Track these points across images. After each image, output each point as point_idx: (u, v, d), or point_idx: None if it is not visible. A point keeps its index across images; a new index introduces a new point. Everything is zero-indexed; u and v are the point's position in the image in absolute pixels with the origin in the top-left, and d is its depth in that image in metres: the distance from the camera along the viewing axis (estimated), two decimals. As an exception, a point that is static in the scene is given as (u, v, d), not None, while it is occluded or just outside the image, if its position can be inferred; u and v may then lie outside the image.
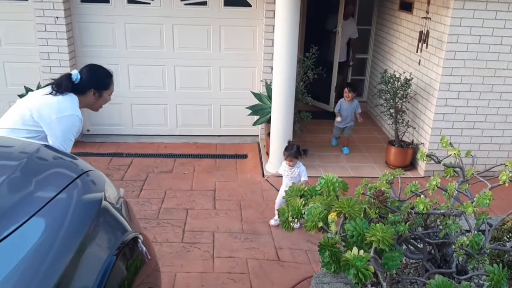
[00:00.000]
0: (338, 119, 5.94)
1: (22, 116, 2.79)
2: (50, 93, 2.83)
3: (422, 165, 5.46)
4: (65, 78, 2.88)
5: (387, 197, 2.52)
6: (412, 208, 2.53)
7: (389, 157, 5.65)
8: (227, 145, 6.19)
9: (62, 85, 2.84)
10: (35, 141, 1.95)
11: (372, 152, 6.10)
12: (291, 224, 2.59)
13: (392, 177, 2.77)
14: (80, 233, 1.33)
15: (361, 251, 2.14)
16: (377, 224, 2.24)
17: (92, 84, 2.88)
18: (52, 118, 2.77)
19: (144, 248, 1.70)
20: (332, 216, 2.27)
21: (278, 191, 5.05)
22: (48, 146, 1.80)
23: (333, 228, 2.27)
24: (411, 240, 2.74)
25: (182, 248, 3.84)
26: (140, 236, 1.74)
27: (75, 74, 2.88)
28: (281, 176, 5.27)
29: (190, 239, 3.96)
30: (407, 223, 2.48)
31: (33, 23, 5.74)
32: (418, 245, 2.81)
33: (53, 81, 2.92)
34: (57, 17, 5.67)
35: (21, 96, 5.63)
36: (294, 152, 4.19)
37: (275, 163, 5.40)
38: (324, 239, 2.31)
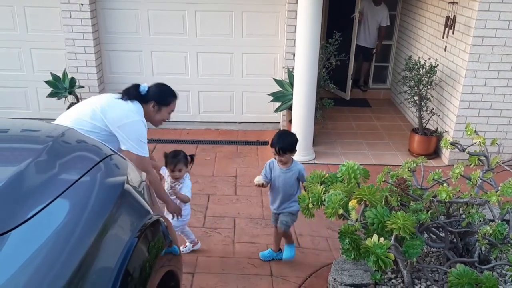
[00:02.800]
0: (255, 180, 3.32)
1: (92, 111, 2.93)
2: (121, 98, 3.00)
3: (446, 154, 5.37)
4: (133, 87, 3.05)
5: (409, 185, 2.49)
6: (435, 197, 2.51)
7: (413, 145, 5.57)
8: (248, 131, 6.20)
9: (130, 93, 3.02)
10: (64, 126, 2.00)
11: (395, 140, 6.03)
12: (311, 211, 2.60)
13: (415, 165, 2.74)
14: (102, 215, 1.36)
15: (382, 239, 2.14)
16: (398, 212, 2.22)
17: (155, 97, 3.04)
18: (123, 122, 2.93)
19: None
20: (352, 203, 2.27)
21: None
22: (73, 131, 1.84)
23: (353, 215, 2.27)
24: (433, 228, 2.72)
25: (203, 232, 3.88)
26: (162, 219, 1.77)
27: (144, 86, 3.06)
28: (303, 163, 5.27)
29: (211, 224, 4.00)
30: (429, 212, 2.46)
31: (59, 10, 5.82)
32: (440, 234, 2.79)
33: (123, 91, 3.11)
34: (81, 4, 5.73)
35: (47, 82, 5.75)
36: (182, 157, 3.27)
37: (297, 150, 5.38)
38: (345, 226, 2.31)
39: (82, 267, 1.20)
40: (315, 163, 5.37)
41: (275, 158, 3.24)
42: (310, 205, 2.56)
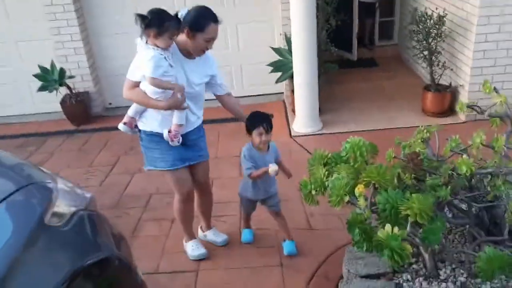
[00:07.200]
0: (272, 168, 2.89)
1: None
2: None
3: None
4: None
5: (423, 159, 2.19)
6: (453, 169, 2.21)
7: (426, 104, 5.21)
8: (251, 105, 5.85)
9: None
10: None
11: (407, 99, 5.65)
12: (315, 197, 2.33)
13: (428, 134, 2.42)
14: (6, 258, 1.08)
15: (396, 228, 1.86)
16: (413, 195, 1.93)
17: (187, 21, 2.64)
18: None
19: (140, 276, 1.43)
20: (359, 189, 1.98)
21: (307, 151, 4.76)
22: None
23: (361, 202, 1.99)
24: (454, 201, 2.43)
25: (208, 223, 3.65)
26: (114, 259, 1.46)
27: (183, 10, 2.66)
28: (310, 135, 4.96)
29: (216, 212, 3.72)
30: (449, 187, 2.16)
31: (38, -2, 5.50)
32: (463, 208, 2.50)
33: None
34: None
35: (36, 75, 5.50)
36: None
37: (303, 121, 5.09)
38: (353, 216, 2.03)
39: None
40: (323, 133, 5.06)
41: (260, 140, 2.96)
42: (313, 192, 2.29)
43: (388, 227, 1.86)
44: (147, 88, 2.65)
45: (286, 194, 3.86)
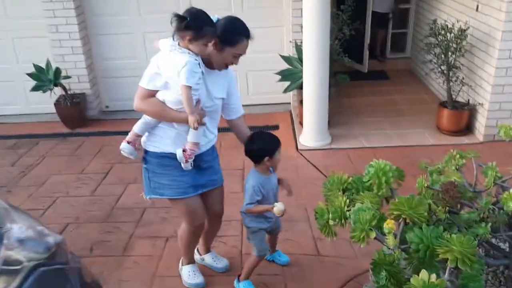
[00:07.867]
0: (278, 208, 2.54)
1: None
2: None
3: (481, 129, 4.71)
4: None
5: (460, 191, 1.89)
6: (495, 204, 1.91)
7: (441, 121, 4.92)
8: (256, 115, 5.58)
9: None
10: None
11: (420, 115, 5.36)
12: (332, 228, 2.03)
13: (463, 160, 2.12)
14: None
15: (433, 276, 1.55)
16: (454, 235, 1.63)
17: (217, 32, 2.34)
18: None
19: None
20: (389, 224, 1.68)
21: (315, 166, 4.47)
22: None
23: (391, 241, 1.68)
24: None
25: (206, 242, 3.34)
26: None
27: (214, 18, 2.35)
28: (318, 149, 4.67)
29: (215, 231, 3.45)
30: (488, 223, 1.86)
31: None
32: (496, 243, 2.20)
33: None
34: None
35: (30, 75, 5.21)
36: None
37: (311, 134, 4.80)
38: (380, 256, 1.72)
39: None
40: (331, 148, 4.77)
41: (272, 164, 2.66)
42: (331, 222, 1.99)
43: (423, 273, 1.55)
44: (168, 96, 2.34)
45: (291, 214, 3.56)
